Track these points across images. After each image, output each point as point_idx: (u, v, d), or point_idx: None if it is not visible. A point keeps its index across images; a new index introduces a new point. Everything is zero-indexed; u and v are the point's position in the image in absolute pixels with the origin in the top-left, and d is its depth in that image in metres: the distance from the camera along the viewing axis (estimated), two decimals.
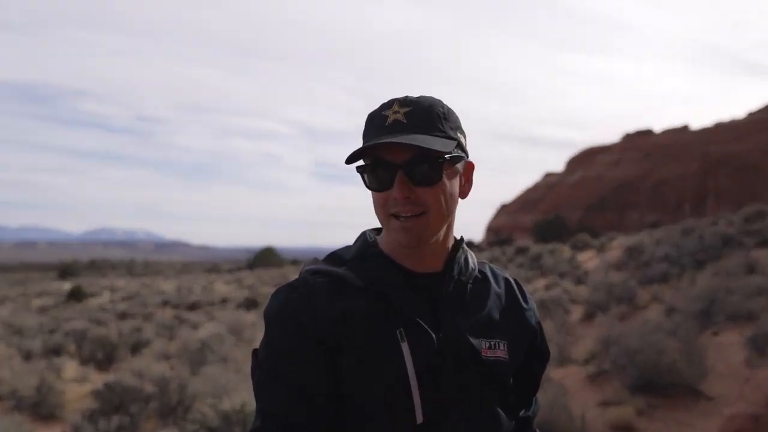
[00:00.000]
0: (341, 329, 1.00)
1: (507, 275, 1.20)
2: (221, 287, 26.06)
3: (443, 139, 1.01)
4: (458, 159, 1.04)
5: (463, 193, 1.09)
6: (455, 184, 1.05)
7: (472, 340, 1.06)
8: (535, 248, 21.28)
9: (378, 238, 1.11)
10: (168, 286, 29.19)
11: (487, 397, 1.08)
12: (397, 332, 1.01)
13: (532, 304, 1.20)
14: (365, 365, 1.00)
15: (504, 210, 71.40)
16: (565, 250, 20.09)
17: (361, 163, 1.04)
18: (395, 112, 1.02)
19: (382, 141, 0.98)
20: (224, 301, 19.34)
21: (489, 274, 1.16)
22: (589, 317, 9.91)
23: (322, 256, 1.13)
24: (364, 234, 1.13)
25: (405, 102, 1.03)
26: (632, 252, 14.92)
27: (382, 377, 1.00)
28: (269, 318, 1.03)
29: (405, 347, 1.00)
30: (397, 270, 1.06)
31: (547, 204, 64.10)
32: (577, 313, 10.54)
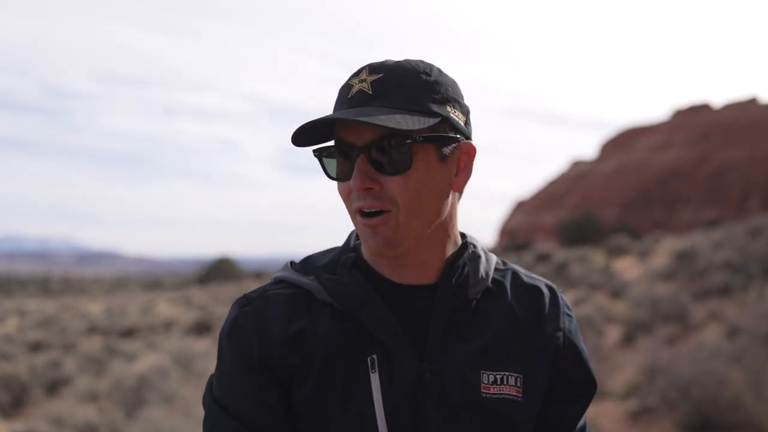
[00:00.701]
0: (295, 354, 1.04)
1: (540, 283, 1.20)
2: (164, 308, 27.47)
3: (417, 115, 1.01)
4: (444, 140, 1.04)
5: (457, 185, 1.09)
6: (440, 173, 1.05)
7: (468, 372, 1.06)
8: (561, 254, 22.86)
9: None
10: (95, 307, 30.32)
11: None
12: (368, 360, 1.03)
13: (567, 320, 1.19)
14: (323, 400, 1.02)
15: (521, 207, 73.84)
16: (599, 257, 21.39)
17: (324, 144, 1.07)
18: (361, 81, 1.04)
19: (319, 119, 1.00)
20: (168, 325, 20.46)
21: (508, 283, 1.16)
22: (629, 340, 10.54)
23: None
24: (350, 235, 1.17)
25: (377, 68, 1.04)
26: (684, 258, 15.63)
27: (343, 417, 1.02)
28: (220, 337, 1.08)
29: (375, 379, 1.02)
30: (375, 282, 1.08)
31: (576, 199, 66.29)
32: (614, 334, 11.09)
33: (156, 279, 78.03)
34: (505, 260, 1.21)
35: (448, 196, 1.07)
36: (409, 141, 0.99)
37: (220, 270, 48.97)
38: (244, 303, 1.08)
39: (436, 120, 1.02)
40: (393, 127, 0.96)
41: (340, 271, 1.09)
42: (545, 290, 1.18)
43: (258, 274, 46.36)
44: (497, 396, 1.07)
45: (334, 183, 1.08)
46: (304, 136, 1.03)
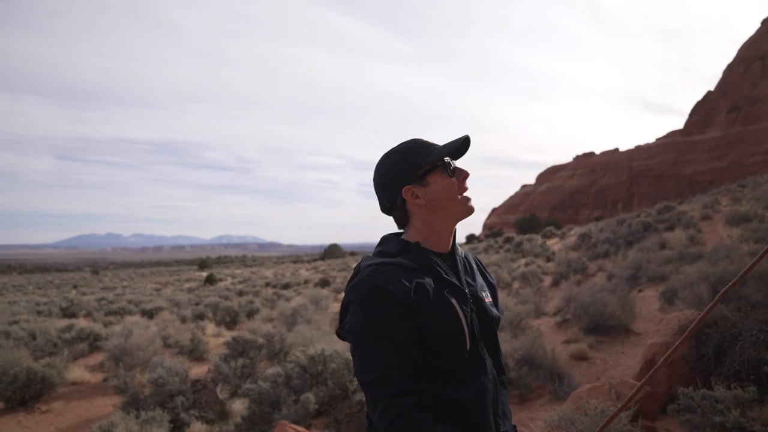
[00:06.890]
0: (417, 297, 1.65)
1: (470, 253, 1.91)
2: (304, 273, 37.21)
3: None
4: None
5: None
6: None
7: (481, 293, 1.79)
8: (517, 238, 27.04)
9: (405, 236, 1.80)
10: (269, 273, 42.47)
11: (493, 326, 1.80)
12: (445, 292, 1.69)
13: (485, 266, 1.96)
14: (436, 316, 1.66)
15: (494, 212, 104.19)
16: (538, 239, 26.25)
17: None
18: None
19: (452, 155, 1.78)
20: (306, 282, 26.74)
21: (463, 253, 1.87)
22: (556, 284, 13.02)
23: (368, 250, 2.44)
24: (392, 236, 1.82)
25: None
26: (584, 238, 18.89)
27: (446, 322, 1.67)
28: (363, 302, 1.64)
29: (454, 301, 1.69)
30: (433, 254, 1.74)
31: (525, 206, 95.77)
32: (547, 281, 13.66)
33: (299, 257, 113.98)
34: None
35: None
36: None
37: (332, 251, 70.05)
38: (373, 277, 1.64)
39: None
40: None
41: (413, 251, 1.72)
42: (474, 256, 1.93)
43: (352, 253, 72.04)
44: (490, 303, 1.80)
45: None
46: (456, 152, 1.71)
